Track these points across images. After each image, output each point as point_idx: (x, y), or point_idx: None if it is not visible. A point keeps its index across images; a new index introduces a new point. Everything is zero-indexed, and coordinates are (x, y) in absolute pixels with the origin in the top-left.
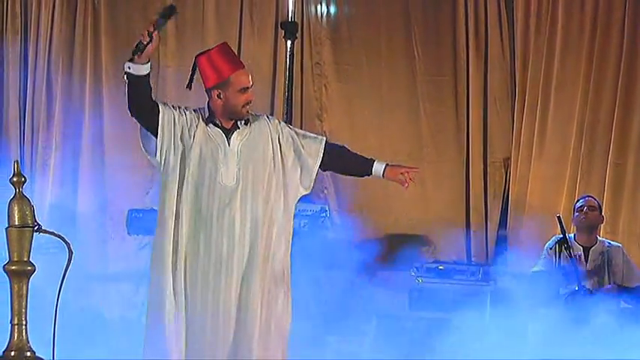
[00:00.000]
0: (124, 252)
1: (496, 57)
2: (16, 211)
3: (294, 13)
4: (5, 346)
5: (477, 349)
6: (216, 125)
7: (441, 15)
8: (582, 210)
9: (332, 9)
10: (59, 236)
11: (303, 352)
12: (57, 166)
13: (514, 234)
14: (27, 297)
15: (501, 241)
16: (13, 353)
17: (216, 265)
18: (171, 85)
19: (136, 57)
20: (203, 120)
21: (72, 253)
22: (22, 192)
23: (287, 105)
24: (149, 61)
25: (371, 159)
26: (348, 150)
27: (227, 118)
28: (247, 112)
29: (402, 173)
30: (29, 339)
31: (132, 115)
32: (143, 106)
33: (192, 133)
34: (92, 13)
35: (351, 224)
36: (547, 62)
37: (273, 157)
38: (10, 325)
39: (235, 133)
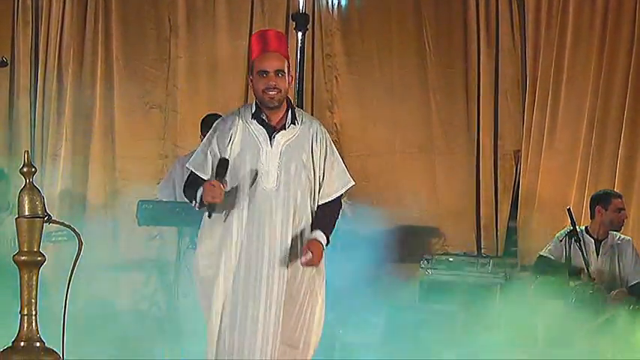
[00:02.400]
0: (134, 243)
1: (507, 49)
2: (27, 202)
3: (304, 4)
4: (14, 337)
5: (487, 341)
6: (261, 122)
7: (452, 7)
8: (621, 211)
9: (343, 1)
10: (69, 226)
11: None
12: (67, 156)
13: (524, 226)
14: (37, 287)
15: (511, 233)
16: (22, 344)
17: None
18: (182, 75)
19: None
20: (245, 117)
21: (82, 243)
22: (32, 182)
23: (298, 97)
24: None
25: (321, 227)
26: (334, 210)
27: (266, 109)
28: (271, 99)
29: (307, 249)
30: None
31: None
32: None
33: (230, 135)
34: (103, 3)
35: (361, 216)
36: (558, 55)
37: (312, 160)
38: (19, 315)
39: (281, 133)
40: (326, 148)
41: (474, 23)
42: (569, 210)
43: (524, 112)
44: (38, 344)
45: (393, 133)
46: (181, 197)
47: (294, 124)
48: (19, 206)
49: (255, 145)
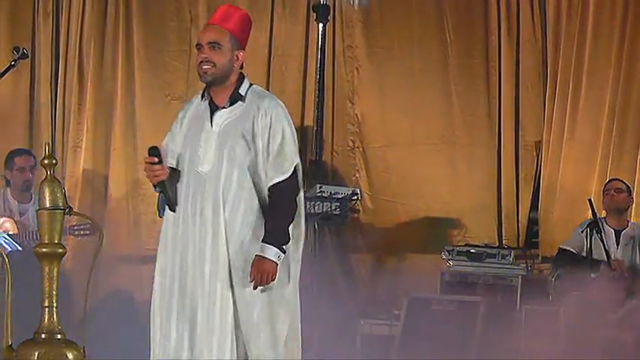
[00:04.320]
0: (155, 234)
1: (528, 40)
2: (47, 194)
3: None
4: (36, 328)
5: (508, 332)
6: (208, 100)
7: None
8: (609, 192)
9: None
10: (90, 218)
11: (335, 336)
12: (88, 148)
13: (545, 217)
14: (57, 279)
15: (533, 224)
16: (43, 335)
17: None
18: None
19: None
20: (200, 96)
21: (102, 235)
22: (52, 174)
23: (318, 88)
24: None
25: (269, 239)
26: (283, 199)
27: (211, 88)
28: (204, 73)
29: (255, 270)
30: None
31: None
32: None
33: (180, 117)
34: None
35: (382, 207)
36: (579, 45)
37: (254, 140)
38: (40, 307)
39: (221, 111)
40: (270, 126)
41: (494, 14)
42: (590, 200)
43: (545, 102)
44: (59, 336)
45: (414, 125)
46: None
47: (241, 101)
48: (39, 198)
49: (198, 125)
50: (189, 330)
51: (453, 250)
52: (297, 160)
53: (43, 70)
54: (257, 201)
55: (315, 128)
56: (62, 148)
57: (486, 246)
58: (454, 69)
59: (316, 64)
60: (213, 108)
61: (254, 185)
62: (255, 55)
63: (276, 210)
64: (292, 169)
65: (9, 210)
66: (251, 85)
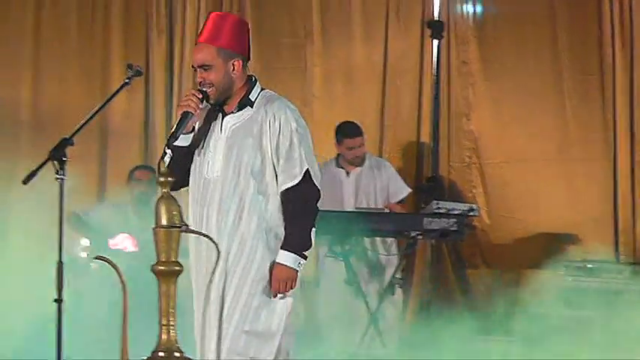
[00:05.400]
0: None
1: None
2: (164, 212)
3: (440, 12)
4: (154, 346)
5: (626, 347)
6: (218, 106)
7: (587, 12)
8: None
9: (478, 8)
10: (206, 236)
11: (452, 350)
12: None
13: None
14: (175, 297)
15: None
16: (161, 354)
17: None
18: (318, 83)
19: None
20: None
21: (220, 252)
22: (168, 192)
23: (434, 104)
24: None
25: (286, 246)
26: (298, 204)
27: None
28: (211, 93)
29: (273, 279)
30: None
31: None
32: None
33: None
34: (237, 10)
35: (499, 223)
36: None
37: (262, 145)
38: (158, 325)
39: (229, 116)
40: (279, 130)
41: (608, 28)
42: None
43: None
44: (177, 354)
45: (530, 140)
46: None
47: (249, 106)
48: (156, 216)
49: (208, 130)
50: (201, 333)
51: (570, 265)
52: (308, 165)
53: (158, 87)
54: (264, 206)
55: (431, 144)
56: None
57: (603, 261)
58: (569, 83)
59: (431, 80)
60: (223, 113)
61: (261, 190)
62: (370, 71)
63: (291, 216)
64: (302, 174)
65: (130, 226)
66: (262, 89)
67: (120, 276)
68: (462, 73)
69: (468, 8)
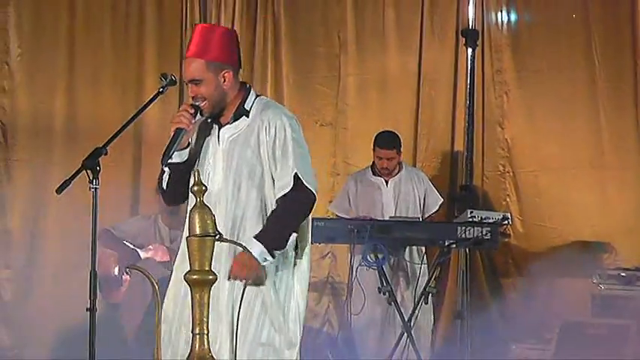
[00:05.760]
0: (313, 263)
1: None
2: (197, 220)
3: (474, 20)
4: (187, 356)
5: None
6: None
7: (621, 22)
8: None
9: (512, 16)
10: (241, 245)
11: (486, 358)
12: None
13: None
14: (208, 306)
15: None
16: None
17: None
18: (352, 93)
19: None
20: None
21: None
22: (202, 201)
23: (468, 113)
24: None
25: (259, 237)
26: (287, 207)
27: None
28: (205, 107)
29: (235, 262)
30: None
31: (169, 205)
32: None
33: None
34: (272, 22)
35: (532, 232)
36: None
37: (260, 154)
38: (191, 334)
39: (225, 128)
40: (274, 138)
41: None
42: None
43: None
44: None
45: (564, 149)
46: (356, 213)
47: (245, 116)
48: (189, 225)
49: (205, 143)
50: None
51: (603, 273)
52: (299, 171)
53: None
54: (267, 214)
55: (465, 153)
56: None
57: (637, 269)
58: (602, 92)
59: (466, 88)
60: (219, 125)
61: (263, 199)
62: (405, 80)
63: (277, 214)
64: (292, 182)
65: (160, 237)
66: (257, 96)
67: (153, 285)
68: (496, 82)
69: (503, 17)
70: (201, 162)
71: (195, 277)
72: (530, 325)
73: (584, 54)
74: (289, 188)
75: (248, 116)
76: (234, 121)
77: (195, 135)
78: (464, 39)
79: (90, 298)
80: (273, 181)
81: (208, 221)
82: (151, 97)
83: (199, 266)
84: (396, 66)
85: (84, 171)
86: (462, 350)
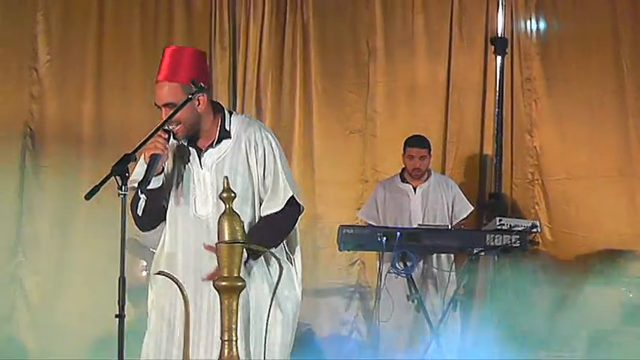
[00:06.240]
0: (334, 267)
1: None
2: (226, 227)
3: (503, 28)
4: None
5: None
6: (187, 142)
7: None
8: None
9: (541, 24)
10: (270, 252)
11: None
12: None
13: None
14: (237, 313)
15: None
16: None
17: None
18: (381, 100)
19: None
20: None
21: (282, 268)
22: (231, 208)
23: (497, 121)
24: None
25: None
26: (273, 224)
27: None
28: (177, 134)
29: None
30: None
31: (144, 230)
32: (161, 217)
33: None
34: (301, 29)
35: (561, 239)
36: None
37: (250, 175)
38: (220, 340)
39: (208, 152)
40: (264, 161)
41: None
42: None
43: None
44: None
45: (593, 157)
46: (384, 221)
47: (227, 139)
48: (218, 232)
49: (184, 168)
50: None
51: (631, 281)
52: (290, 193)
53: (221, 102)
54: None
55: (494, 161)
56: None
57: None
58: (631, 101)
59: (495, 96)
60: (198, 149)
61: (254, 217)
62: (433, 88)
63: (261, 224)
64: (284, 203)
65: None
66: (231, 114)
67: (181, 290)
68: (525, 90)
69: (532, 25)
70: (184, 187)
71: (224, 283)
72: (559, 333)
73: (613, 62)
74: (278, 209)
75: (230, 137)
76: (217, 144)
77: (171, 160)
78: (493, 47)
79: (119, 304)
80: (261, 200)
81: (237, 228)
82: (181, 103)
83: (228, 272)
84: (425, 73)
85: (113, 177)
86: (489, 357)
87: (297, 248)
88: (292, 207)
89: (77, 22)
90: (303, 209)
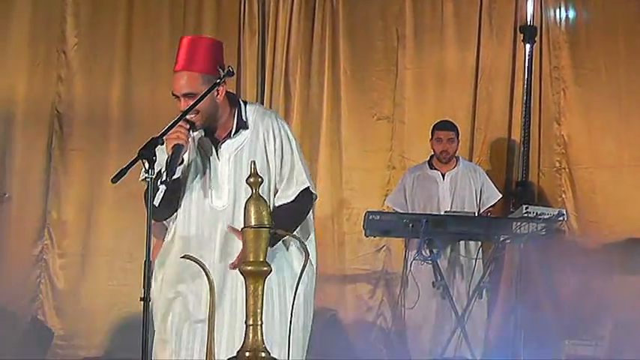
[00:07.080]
0: (360, 253)
1: None
2: (253, 212)
3: (532, 17)
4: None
5: None
6: (207, 133)
7: None
8: None
9: (570, 13)
10: (296, 237)
11: (539, 354)
12: None
13: None
14: (262, 297)
15: None
16: (247, 354)
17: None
18: (409, 87)
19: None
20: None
21: (308, 254)
22: (258, 192)
23: (525, 109)
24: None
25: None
26: (290, 212)
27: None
28: (195, 124)
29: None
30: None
31: (158, 221)
32: (176, 208)
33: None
34: (330, 14)
35: (588, 228)
36: None
37: (268, 165)
38: (244, 325)
39: (226, 143)
40: (282, 151)
41: None
42: None
43: None
44: (263, 354)
45: (620, 146)
46: (412, 208)
47: (244, 129)
48: (245, 216)
49: (202, 158)
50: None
51: None
52: (306, 184)
53: (249, 89)
54: None
55: (521, 149)
56: None
57: None
58: None
59: (523, 85)
60: (215, 140)
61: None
62: (462, 75)
63: (283, 214)
64: (296, 195)
65: None
66: (246, 104)
67: (207, 275)
68: (553, 79)
69: (561, 13)
70: (199, 178)
71: (250, 268)
72: (584, 322)
73: None
74: (290, 199)
75: (247, 128)
76: (235, 134)
77: (194, 151)
78: (522, 35)
79: (144, 287)
80: (276, 189)
81: (264, 212)
82: (209, 87)
83: (254, 257)
84: (454, 61)
85: (140, 161)
86: (514, 345)
87: (312, 236)
88: (305, 196)
89: (106, 4)
90: (316, 197)
